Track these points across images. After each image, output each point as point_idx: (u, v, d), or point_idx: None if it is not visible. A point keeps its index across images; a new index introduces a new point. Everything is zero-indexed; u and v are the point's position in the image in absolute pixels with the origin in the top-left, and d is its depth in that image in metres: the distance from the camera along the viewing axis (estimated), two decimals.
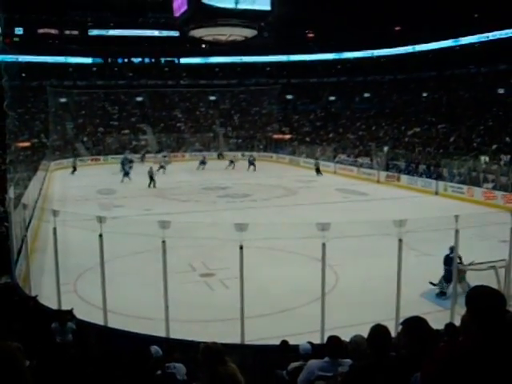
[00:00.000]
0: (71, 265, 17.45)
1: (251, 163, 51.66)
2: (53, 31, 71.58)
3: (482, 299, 3.05)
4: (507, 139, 40.66)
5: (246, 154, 59.43)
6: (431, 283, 15.84)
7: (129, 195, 35.74)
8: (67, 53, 71.68)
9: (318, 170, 46.93)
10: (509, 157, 37.09)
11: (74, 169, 50.32)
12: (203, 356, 5.57)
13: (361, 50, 72.49)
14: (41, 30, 70.40)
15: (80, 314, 11.30)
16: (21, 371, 2.69)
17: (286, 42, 74.24)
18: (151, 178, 40.38)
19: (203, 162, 54.06)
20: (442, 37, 60.40)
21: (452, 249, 15.77)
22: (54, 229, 13.76)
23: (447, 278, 15.37)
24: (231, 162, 54.14)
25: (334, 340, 6.64)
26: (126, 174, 43.19)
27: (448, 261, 15.62)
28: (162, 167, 48.66)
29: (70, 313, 10.70)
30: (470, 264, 15.06)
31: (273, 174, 48.79)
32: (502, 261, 14.61)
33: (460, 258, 15.61)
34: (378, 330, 4.63)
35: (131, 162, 48.74)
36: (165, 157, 57.32)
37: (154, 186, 39.89)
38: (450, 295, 13.80)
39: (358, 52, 73.11)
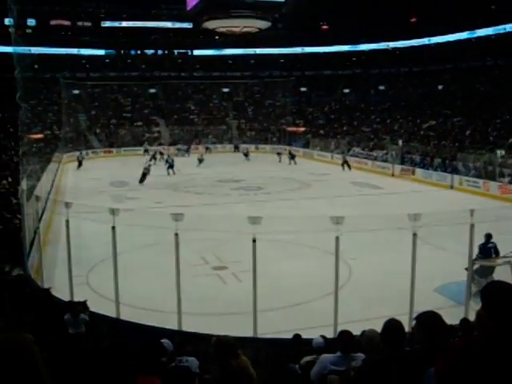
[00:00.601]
0: (84, 257, 17.52)
1: (292, 157, 51.71)
2: (65, 23, 71.61)
3: (498, 294, 3.00)
4: None
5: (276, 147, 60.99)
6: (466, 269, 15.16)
7: (142, 187, 35.82)
8: (80, 44, 71.85)
9: (345, 164, 46.16)
10: None
11: (80, 163, 49.10)
12: (214, 349, 5.54)
13: (376, 42, 72.02)
14: (53, 22, 70.47)
15: (92, 306, 11.29)
16: (35, 362, 2.66)
17: (300, 33, 74.02)
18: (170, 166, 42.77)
19: (246, 154, 55.29)
20: (458, 29, 59.90)
21: (488, 236, 15.60)
22: (67, 221, 13.78)
23: (483, 271, 14.74)
24: (245, 154, 55.08)
25: (345, 335, 6.60)
26: (171, 166, 43.22)
27: (485, 251, 15.36)
28: (200, 160, 49.53)
29: (83, 304, 10.69)
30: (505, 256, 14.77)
31: (287, 166, 48.70)
32: None
33: (496, 248, 15.43)
34: (392, 325, 4.58)
35: (161, 153, 51.52)
36: (207, 148, 58.63)
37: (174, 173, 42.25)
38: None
39: (373, 44, 72.65)
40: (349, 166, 45.56)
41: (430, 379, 3.22)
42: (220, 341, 5.61)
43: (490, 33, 57.23)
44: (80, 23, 72.81)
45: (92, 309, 11.17)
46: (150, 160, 47.93)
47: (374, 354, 5.13)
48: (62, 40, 69.89)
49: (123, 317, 12.68)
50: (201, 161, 49.58)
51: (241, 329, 11.79)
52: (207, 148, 62.56)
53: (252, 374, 5.61)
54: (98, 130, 64.68)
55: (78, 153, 54.41)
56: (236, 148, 63.11)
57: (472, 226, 12.42)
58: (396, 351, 4.30)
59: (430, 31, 63.55)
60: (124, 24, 74.03)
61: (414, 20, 66.70)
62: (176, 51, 78.65)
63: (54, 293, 12.81)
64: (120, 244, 13.15)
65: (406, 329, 4.88)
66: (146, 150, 55.77)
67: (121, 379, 3.56)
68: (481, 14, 56.04)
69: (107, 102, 70.06)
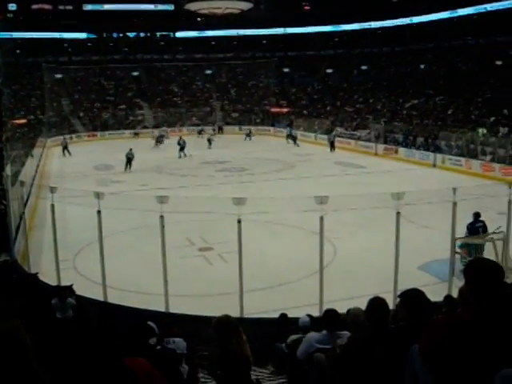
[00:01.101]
0: (70, 241, 17.50)
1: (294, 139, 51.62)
2: (47, 6, 70.76)
3: (480, 271, 3.06)
4: (505, 111, 40.51)
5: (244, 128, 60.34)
6: (456, 252, 15.21)
7: (126, 171, 35.76)
8: (62, 28, 71.03)
9: (332, 145, 45.87)
10: (507, 129, 36.98)
11: (65, 149, 45.73)
12: (215, 330, 5.58)
13: (358, 22, 71.89)
14: (34, 6, 69.65)
15: (79, 290, 11.31)
16: (23, 348, 2.69)
17: (283, 14, 73.66)
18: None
19: (248, 135, 56.47)
20: (440, 8, 59.85)
21: (477, 215, 15.70)
22: (52, 205, 13.75)
23: (471, 251, 14.70)
24: (247, 134, 56.74)
25: (330, 313, 6.67)
26: (182, 148, 42.86)
27: (473, 231, 15.45)
28: (209, 141, 49.64)
29: (69, 288, 10.71)
30: (495, 232, 14.90)
31: (270, 147, 48.69)
32: (500, 233, 14.61)
33: (485, 226, 15.54)
34: (376, 303, 4.65)
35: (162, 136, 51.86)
36: (214, 130, 58.14)
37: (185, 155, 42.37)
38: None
39: (356, 24, 72.53)
40: (333, 147, 45.25)
41: (414, 356, 3.28)
42: (221, 321, 5.65)
43: (472, 12, 57.24)
44: (61, 7, 71.93)
45: (79, 292, 11.19)
46: (157, 143, 49.29)
47: (359, 332, 5.21)
48: (43, 24, 68.96)
49: (110, 300, 12.71)
50: (211, 142, 49.49)
51: (227, 309, 11.74)
52: (220, 128, 62.84)
53: (248, 355, 5.68)
54: (81, 114, 64.26)
55: (62, 137, 53.99)
56: (220, 129, 62.72)
57: (455, 203, 12.52)
58: (380, 329, 4.38)
59: (412, 11, 63.55)
60: (106, 7, 73.23)
61: (395, 0, 66.58)
62: (158, 34, 78.08)
63: (41, 277, 12.81)
64: (106, 227, 13.16)
65: (391, 306, 4.95)
66: (162, 136, 53.89)
67: (108, 361, 3.60)
68: None
69: (90, 86, 69.51)
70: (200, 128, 61.14)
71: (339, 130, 52.30)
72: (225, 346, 5.44)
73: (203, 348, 8.73)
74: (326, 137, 49.25)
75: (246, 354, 5.61)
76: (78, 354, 3.84)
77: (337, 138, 47.81)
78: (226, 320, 5.66)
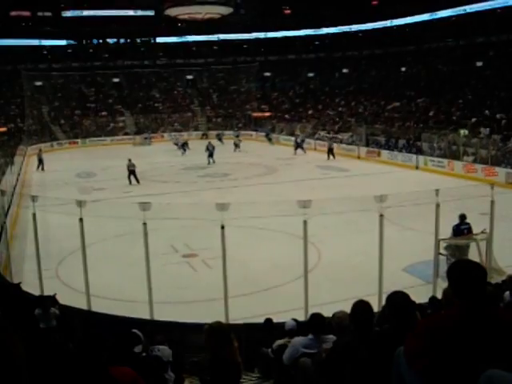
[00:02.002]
0: (52, 250, 17.39)
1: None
2: (25, 13, 70.28)
3: (463, 272, 3.06)
4: (486, 112, 40.79)
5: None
6: (440, 253, 15.22)
7: (108, 178, 35.50)
8: (41, 35, 70.58)
9: (298, 147, 46.12)
10: (488, 130, 37.24)
11: (40, 162, 41.26)
12: (207, 337, 5.55)
13: (338, 26, 72.16)
14: (13, 13, 69.15)
15: (63, 299, 11.24)
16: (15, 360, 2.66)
17: (263, 18, 73.76)
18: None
19: (269, 138, 55.72)
20: (419, 11, 60.21)
21: (462, 217, 15.74)
22: (34, 214, 13.63)
23: (455, 253, 14.71)
24: (268, 138, 55.90)
25: (316, 317, 6.66)
26: (211, 154, 41.46)
27: (458, 233, 15.50)
28: (236, 145, 49.43)
29: (52, 298, 10.63)
30: (481, 233, 14.99)
31: (253, 152, 48.69)
32: (483, 233, 14.69)
33: (470, 228, 15.60)
34: (360, 306, 4.65)
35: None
36: (237, 136, 55.82)
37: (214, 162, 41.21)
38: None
39: (336, 28, 72.79)
40: (333, 154, 43.50)
41: (399, 358, 3.28)
42: (213, 328, 5.61)
43: (451, 14, 57.62)
44: (40, 13, 71.42)
45: (63, 302, 11.12)
46: (182, 150, 47.83)
47: (344, 336, 5.21)
48: (22, 31, 68.49)
49: (94, 308, 12.64)
50: (237, 145, 49.34)
51: (212, 315, 11.78)
52: (204, 134, 61.65)
53: (239, 362, 5.65)
54: (62, 122, 63.84)
55: (43, 145, 53.50)
56: (205, 135, 61.95)
57: (438, 205, 12.59)
58: (365, 332, 4.37)
59: (392, 13, 63.81)
60: (85, 13, 72.80)
61: (375, 3, 66.96)
62: (138, 39, 77.83)
63: (24, 287, 12.70)
64: (88, 236, 13.08)
65: (376, 309, 4.95)
66: (183, 143, 50.37)
67: (93, 370, 3.56)
68: None
69: (70, 93, 69.11)
70: (220, 132, 59.50)
71: (322, 133, 52.40)
72: (216, 353, 5.40)
73: (190, 355, 8.70)
74: (309, 140, 49.40)
75: (237, 362, 5.58)
76: (63, 364, 3.80)
77: (318, 141, 48.00)
78: (218, 327, 5.63)
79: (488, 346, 2.83)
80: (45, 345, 5.15)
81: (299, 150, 45.74)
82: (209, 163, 40.70)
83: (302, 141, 47.44)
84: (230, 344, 5.55)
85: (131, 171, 32.96)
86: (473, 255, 14.02)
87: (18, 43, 68.42)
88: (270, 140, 53.82)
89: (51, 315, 9.64)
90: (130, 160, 33.28)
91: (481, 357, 2.79)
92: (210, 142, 43.66)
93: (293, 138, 49.59)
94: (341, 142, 47.38)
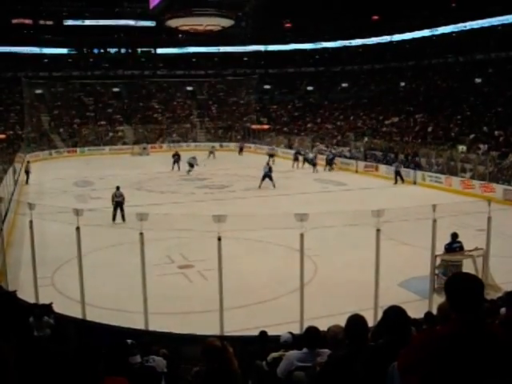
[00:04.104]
0: (49, 258, 17.37)
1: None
2: (27, 21, 70.36)
3: (461, 284, 3.06)
4: (484, 128, 40.92)
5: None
6: (436, 274, 15.18)
7: (106, 187, 35.42)
8: (42, 43, 70.81)
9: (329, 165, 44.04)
10: (486, 146, 37.35)
11: (26, 174, 39.91)
12: (202, 355, 5.57)
13: (338, 40, 72.30)
14: (15, 20, 69.24)
15: (58, 308, 11.22)
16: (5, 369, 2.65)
17: (263, 31, 73.91)
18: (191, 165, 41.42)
19: (212, 152, 53.88)
20: (420, 26, 60.33)
21: (454, 236, 15.76)
22: (31, 222, 13.61)
23: (448, 271, 14.62)
24: (210, 152, 53.80)
25: (311, 330, 6.65)
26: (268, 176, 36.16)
27: (451, 252, 15.51)
28: (271, 156, 47.26)
29: (47, 307, 10.60)
30: (475, 250, 15.01)
31: (251, 164, 48.64)
32: (480, 249, 14.72)
33: (461, 246, 15.63)
34: (355, 320, 4.65)
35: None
36: (272, 149, 52.83)
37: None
38: None
39: (336, 42, 72.89)
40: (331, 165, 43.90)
41: (393, 373, 3.28)
42: (207, 346, 5.64)
43: (451, 30, 57.79)
44: (42, 22, 71.53)
45: (58, 310, 11.10)
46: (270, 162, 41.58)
47: (339, 350, 5.20)
48: (23, 39, 68.59)
49: (89, 317, 12.61)
50: (271, 156, 47.19)
51: (207, 327, 11.82)
52: (211, 152, 54.42)
53: (237, 371, 5.67)
54: (61, 130, 63.84)
55: (41, 153, 53.54)
56: (211, 153, 54.74)
57: (434, 221, 12.62)
58: (359, 346, 4.37)
59: (392, 29, 64.02)
60: (87, 22, 72.97)
61: (376, 18, 67.09)
62: (139, 50, 77.94)
63: (19, 295, 12.68)
64: (85, 244, 13.09)
65: (371, 323, 4.96)
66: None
67: (87, 381, 3.56)
68: (442, 11, 56.66)
69: (70, 102, 69.10)
70: (271, 148, 53.54)
71: (320, 146, 52.35)
72: (213, 366, 5.43)
73: (185, 366, 8.66)
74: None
75: (234, 369, 5.60)
76: (56, 374, 3.79)
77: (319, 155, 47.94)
78: (211, 346, 5.65)
79: (483, 363, 2.82)
80: (38, 353, 5.14)
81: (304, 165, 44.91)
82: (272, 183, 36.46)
83: (315, 157, 45.40)
84: (227, 357, 5.56)
85: (118, 203, 25.32)
86: (468, 271, 14.01)
87: (18, 50, 68.59)
88: (271, 156, 48.31)
89: (44, 324, 9.61)
90: (118, 188, 26.10)
91: (475, 373, 2.79)
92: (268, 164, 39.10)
93: (292, 151, 49.38)
94: (339, 155, 47.08)
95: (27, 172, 40.22)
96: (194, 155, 43.37)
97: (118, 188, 26.04)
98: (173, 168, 43.20)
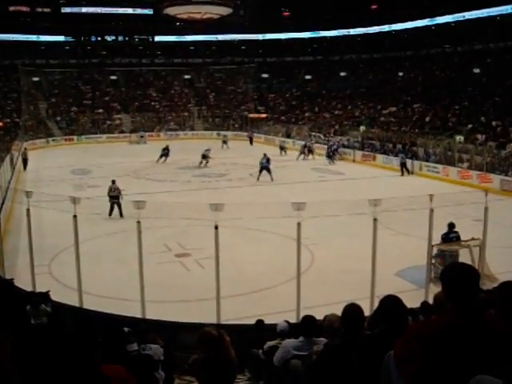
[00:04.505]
0: (46, 246, 17.38)
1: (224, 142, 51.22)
2: (24, 8, 69.98)
3: (457, 274, 3.07)
4: (482, 119, 40.91)
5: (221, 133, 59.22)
6: (433, 264, 15.31)
7: (104, 175, 35.38)
8: (39, 31, 70.36)
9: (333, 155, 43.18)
10: (484, 136, 37.35)
11: (24, 161, 40.56)
12: (199, 344, 5.59)
13: (337, 29, 72.06)
14: (12, 8, 68.89)
15: (55, 296, 11.23)
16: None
17: (262, 20, 73.70)
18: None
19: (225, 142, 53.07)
20: (418, 16, 60.23)
21: (451, 226, 15.79)
22: (28, 210, 13.62)
23: (445, 261, 14.59)
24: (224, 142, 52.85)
25: (308, 319, 6.67)
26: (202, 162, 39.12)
27: (447, 241, 15.55)
28: (282, 149, 47.24)
29: (44, 295, 10.62)
30: (471, 240, 15.05)
31: (248, 153, 48.57)
32: (476, 240, 14.74)
33: (458, 236, 15.66)
34: (351, 309, 4.67)
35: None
36: (283, 142, 50.73)
37: None
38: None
39: (334, 31, 72.63)
40: (312, 152, 44.22)
41: (389, 362, 3.28)
42: (203, 335, 5.65)
43: (450, 20, 57.66)
44: (39, 9, 71.13)
45: (55, 298, 11.12)
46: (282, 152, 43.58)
47: (335, 338, 5.22)
48: (20, 26, 68.26)
49: (86, 306, 12.63)
50: (284, 150, 46.97)
51: (204, 315, 11.85)
52: (224, 142, 53.58)
53: (233, 359, 5.70)
54: (58, 118, 63.71)
55: (38, 141, 53.37)
56: (224, 142, 53.49)
57: (431, 210, 12.63)
58: (355, 335, 4.39)
59: (391, 18, 63.83)
60: (84, 10, 72.58)
61: (374, 7, 66.97)
62: (137, 37, 77.60)
63: (17, 283, 12.69)
64: (82, 233, 13.09)
65: (368, 312, 4.97)
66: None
67: (84, 368, 3.56)
68: (441, 1, 56.56)
69: (67, 90, 68.89)
70: (282, 143, 50.34)
71: (317, 135, 52.21)
72: (210, 354, 5.45)
73: (183, 354, 8.69)
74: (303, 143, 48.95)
75: (231, 358, 5.62)
76: (53, 361, 3.80)
77: (315, 145, 47.87)
78: (207, 335, 5.67)
79: (478, 352, 2.83)
80: (35, 341, 5.15)
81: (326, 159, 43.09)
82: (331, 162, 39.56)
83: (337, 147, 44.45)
84: (224, 345, 5.58)
85: (113, 198, 23.66)
86: (465, 261, 14.04)
87: (16, 38, 68.19)
88: (282, 149, 48.12)
89: (41, 312, 9.63)
90: (113, 182, 24.65)
91: (470, 363, 2.79)
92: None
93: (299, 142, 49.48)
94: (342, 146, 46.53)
95: (25, 159, 40.44)
96: (208, 147, 41.59)
97: (113, 182, 24.57)
98: (158, 161, 41.78)
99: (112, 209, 23.43)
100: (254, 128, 61.93)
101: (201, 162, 39.97)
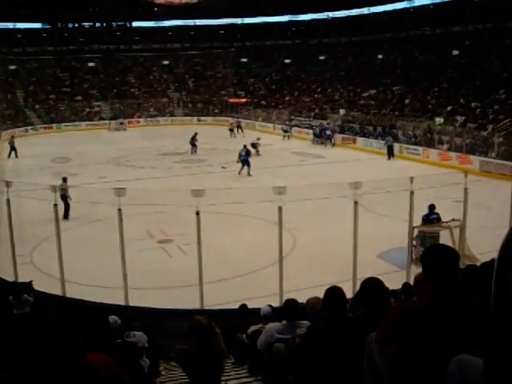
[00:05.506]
0: (27, 236, 17.25)
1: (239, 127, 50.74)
2: None
3: (437, 255, 3.09)
4: (461, 100, 41.09)
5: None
6: (414, 245, 15.21)
7: (84, 163, 35.21)
8: (15, 18, 69.51)
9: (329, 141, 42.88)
10: (463, 118, 37.54)
11: (12, 149, 39.86)
12: (188, 332, 5.61)
13: (316, 12, 71.88)
14: None
15: (37, 285, 11.19)
16: None
17: (240, 4, 73.22)
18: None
19: (239, 127, 52.15)
20: None
21: (431, 207, 15.92)
22: (8, 200, 13.51)
23: (426, 242, 14.74)
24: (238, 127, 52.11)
25: (290, 303, 6.70)
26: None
27: (428, 223, 15.67)
28: (286, 132, 47.10)
29: (26, 285, 10.58)
30: (451, 221, 15.18)
31: (229, 138, 48.47)
32: (457, 221, 14.87)
33: (439, 218, 15.79)
34: (333, 292, 4.69)
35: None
36: (286, 131, 49.25)
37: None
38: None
39: (313, 14, 72.46)
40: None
41: (371, 344, 3.31)
42: (193, 324, 5.67)
43: (428, 2, 57.66)
44: None
45: (37, 287, 11.08)
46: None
47: (318, 321, 5.25)
48: None
49: (69, 294, 12.61)
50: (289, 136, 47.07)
51: (187, 301, 11.87)
52: (238, 126, 52.62)
53: (223, 350, 5.73)
54: (36, 106, 63.15)
55: (17, 130, 52.81)
56: (239, 127, 52.82)
57: (412, 192, 12.71)
58: (337, 317, 4.42)
59: (369, 1, 63.78)
60: None
61: None
62: (114, 23, 76.88)
63: None
64: (63, 221, 13.03)
65: (349, 295, 5.00)
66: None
67: (68, 357, 3.56)
68: None
69: (45, 77, 68.33)
70: (285, 127, 49.70)
71: (297, 119, 52.22)
72: (201, 345, 5.48)
73: (167, 341, 8.72)
74: (284, 127, 49.15)
75: (222, 350, 5.66)
76: (37, 351, 3.80)
77: (294, 128, 48.02)
78: (197, 324, 5.69)
79: (458, 331, 2.86)
80: (18, 331, 5.15)
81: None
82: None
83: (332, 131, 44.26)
84: (213, 336, 5.61)
85: (62, 197, 19.79)
86: (445, 242, 14.15)
87: None
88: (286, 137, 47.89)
89: (24, 302, 9.60)
90: (64, 179, 22.01)
91: (451, 342, 2.82)
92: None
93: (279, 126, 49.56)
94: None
95: (12, 147, 39.84)
96: (258, 136, 40.30)
97: (64, 179, 21.92)
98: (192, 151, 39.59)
99: (67, 211, 20.74)
100: (234, 113, 61.78)
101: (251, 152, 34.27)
